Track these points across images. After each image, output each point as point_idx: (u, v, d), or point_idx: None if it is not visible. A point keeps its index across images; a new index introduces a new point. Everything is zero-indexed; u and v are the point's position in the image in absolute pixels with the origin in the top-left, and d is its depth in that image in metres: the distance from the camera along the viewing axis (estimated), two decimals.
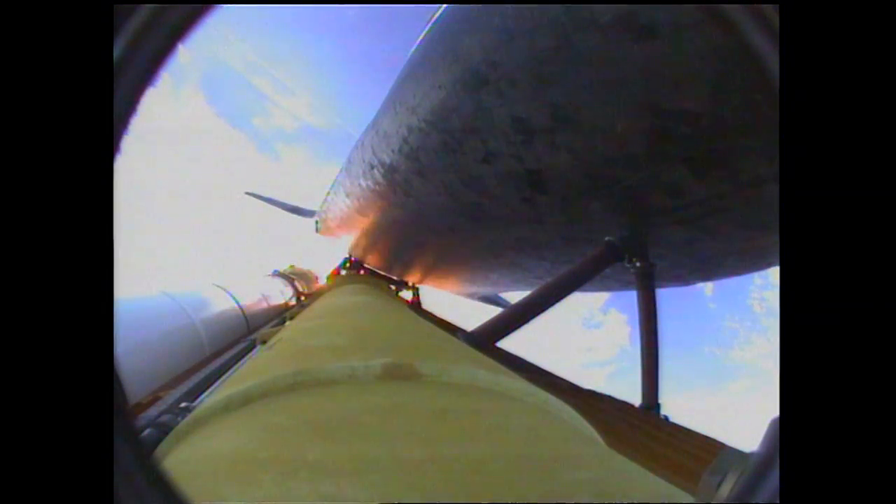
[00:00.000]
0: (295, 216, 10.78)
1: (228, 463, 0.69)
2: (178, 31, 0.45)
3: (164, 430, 1.16)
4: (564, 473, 0.69)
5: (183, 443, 0.93)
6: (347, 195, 6.56)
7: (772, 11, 0.46)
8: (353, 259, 7.75)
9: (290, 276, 7.16)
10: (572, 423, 1.04)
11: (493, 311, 3.80)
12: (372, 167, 5.25)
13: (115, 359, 0.43)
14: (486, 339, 3.14)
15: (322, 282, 7.65)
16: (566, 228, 3.95)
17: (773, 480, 0.46)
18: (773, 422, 0.47)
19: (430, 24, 3.84)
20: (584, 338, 20.29)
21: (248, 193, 12.26)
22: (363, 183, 5.67)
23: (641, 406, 3.50)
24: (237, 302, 4.65)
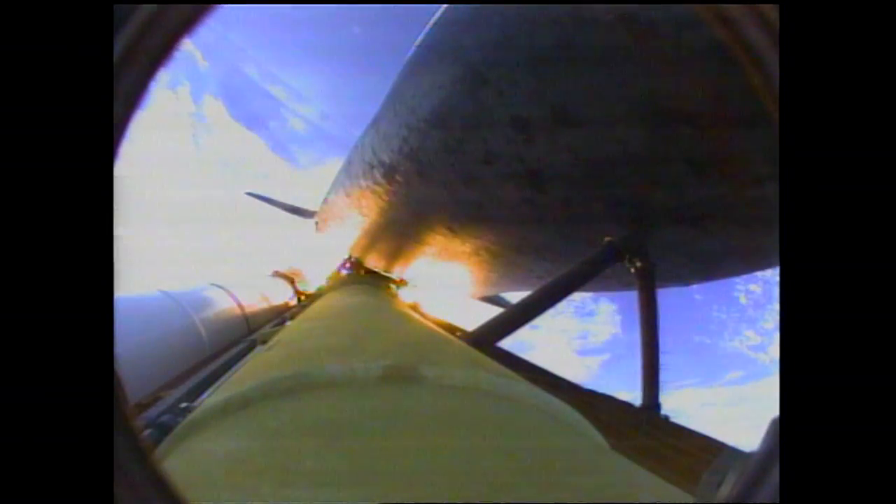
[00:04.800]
0: (295, 216, 10.77)
1: (225, 469, 0.68)
2: (178, 31, 0.45)
3: (164, 431, 1.16)
4: (569, 479, 0.69)
5: (180, 446, 0.92)
6: (347, 195, 6.56)
7: (772, 11, 0.46)
8: (353, 259, 7.74)
9: (290, 277, 7.16)
10: (576, 427, 1.04)
11: (494, 311, 3.79)
12: (372, 167, 5.25)
13: (115, 359, 0.43)
14: (486, 340, 3.14)
15: (314, 284, 7.64)
16: (566, 228, 3.94)
17: (773, 480, 0.46)
18: (773, 422, 0.47)
19: (430, 24, 3.84)
20: (578, 325, 20.41)
21: (248, 193, 12.24)
22: (363, 183, 5.66)
23: (641, 406, 3.49)
24: (237, 302, 4.65)
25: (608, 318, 19.97)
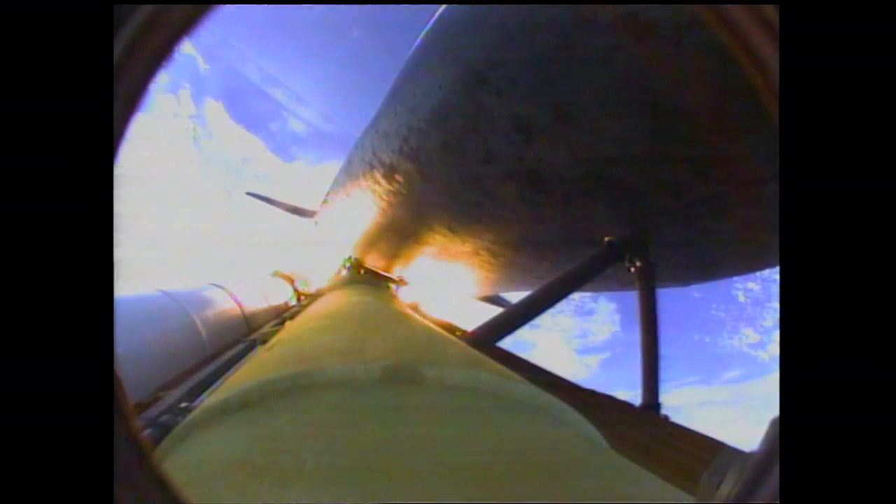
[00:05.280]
0: (295, 216, 10.77)
1: (224, 470, 0.68)
2: (178, 31, 0.45)
3: (164, 430, 1.16)
4: (570, 480, 0.69)
5: (179, 447, 0.92)
6: (347, 195, 6.56)
7: (772, 11, 0.46)
8: (353, 259, 7.74)
9: (289, 277, 7.17)
10: (576, 427, 1.04)
11: (494, 312, 3.79)
12: (372, 167, 5.25)
13: (115, 359, 0.43)
14: (486, 340, 3.14)
15: (314, 284, 7.64)
16: (566, 228, 3.94)
17: (773, 480, 0.46)
18: (773, 422, 0.47)
19: (430, 24, 3.84)
20: (577, 324, 20.47)
21: (248, 193, 12.26)
22: (363, 183, 5.67)
23: (641, 406, 3.49)
24: (237, 302, 4.65)
25: (607, 316, 20.00)
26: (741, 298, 18.05)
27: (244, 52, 18.62)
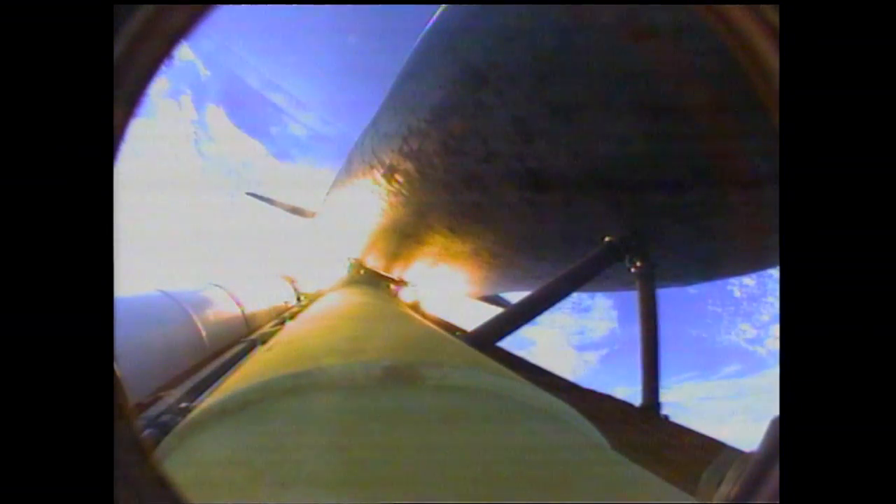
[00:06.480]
0: (295, 216, 10.78)
1: (224, 471, 0.68)
2: (178, 31, 0.45)
3: (164, 431, 1.16)
4: (570, 479, 0.69)
5: (180, 446, 0.92)
6: (347, 195, 6.57)
7: (772, 11, 0.46)
8: (353, 259, 7.74)
9: (290, 277, 7.17)
10: (576, 427, 1.04)
11: (494, 312, 3.79)
12: (372, 167, 5.25)
13: (115, 359, 0.43)
14: (486, 340, 3.14)
15: (314, 285, 7.64)
16: (566, 228, 3.94)
17: (773, 480, 0.46)
18: (774, 422, 0.47)
19: (430, 24, 3.84)
20: (575, 321, 20.60)
21: (248, 193, 12.27)
22: (363, 183, 5.67)
23: (641, 405, 3.49)
24: (237, 302, 4.65)
25: (604, 313, 20.09)
26: (737, 294, 18.03)
27: (244, 58, 18.80)
